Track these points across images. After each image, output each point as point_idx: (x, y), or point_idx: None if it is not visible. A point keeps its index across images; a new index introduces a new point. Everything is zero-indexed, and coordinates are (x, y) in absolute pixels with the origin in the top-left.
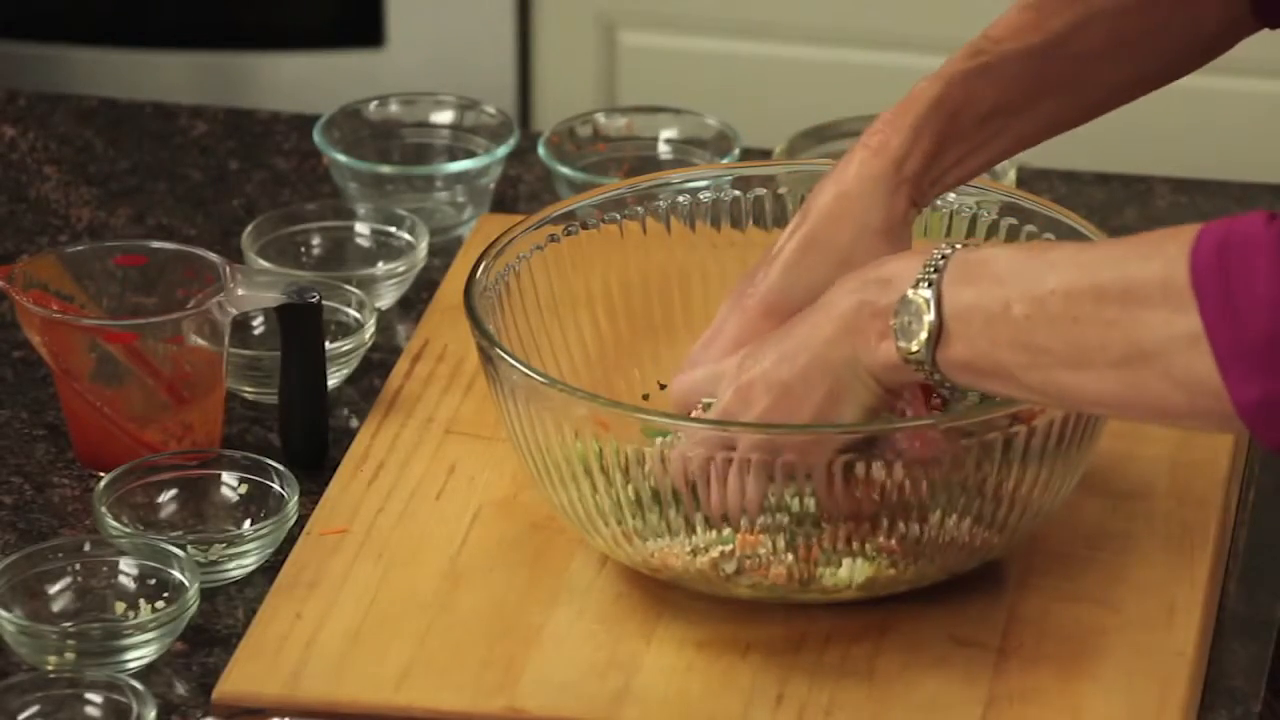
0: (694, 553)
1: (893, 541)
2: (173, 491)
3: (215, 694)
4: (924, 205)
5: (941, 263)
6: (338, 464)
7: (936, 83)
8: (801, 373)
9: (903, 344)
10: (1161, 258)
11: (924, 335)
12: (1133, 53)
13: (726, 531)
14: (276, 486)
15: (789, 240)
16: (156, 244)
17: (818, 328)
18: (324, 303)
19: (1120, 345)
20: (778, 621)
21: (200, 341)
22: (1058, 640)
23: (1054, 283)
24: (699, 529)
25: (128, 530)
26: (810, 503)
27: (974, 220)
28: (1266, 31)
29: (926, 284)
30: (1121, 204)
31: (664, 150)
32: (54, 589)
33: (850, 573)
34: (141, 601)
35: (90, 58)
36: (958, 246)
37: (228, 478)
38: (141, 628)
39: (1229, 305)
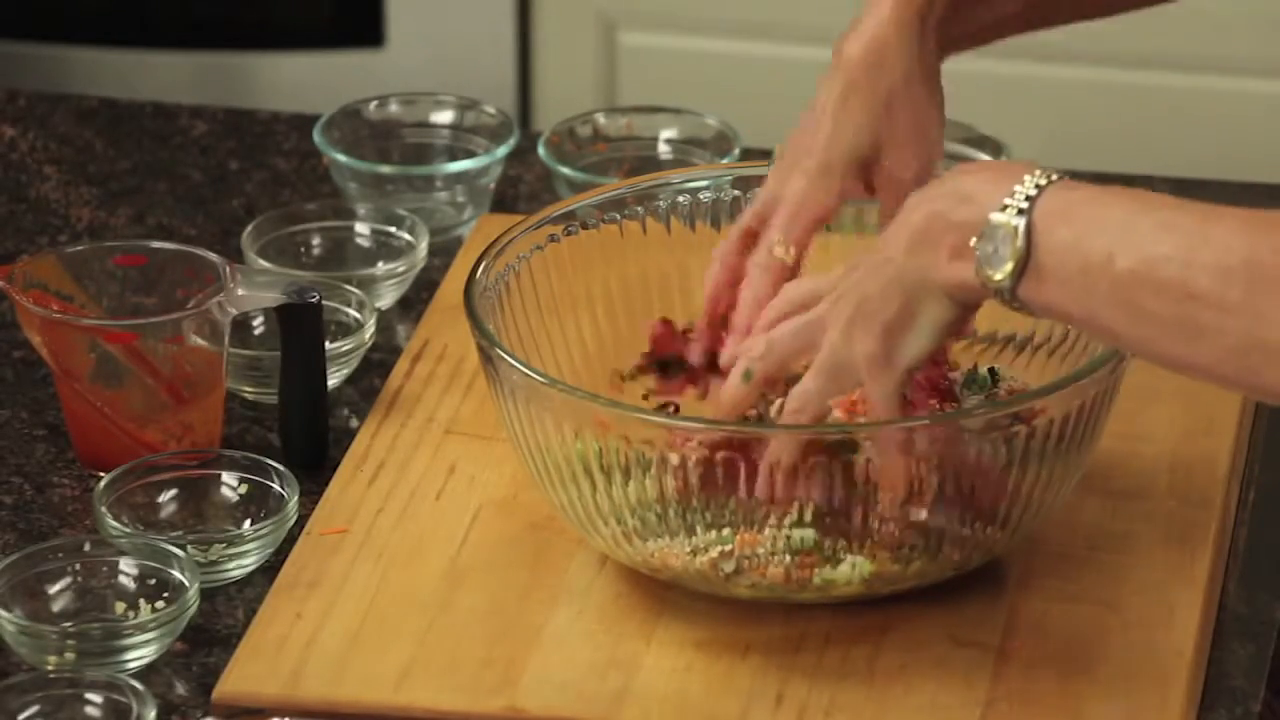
0: (694, 553)
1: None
2: (173, 491)
3: (215, 694)
4: (954, 51)
5: (1035, 191)
6: (338, 464)
7: None
8: (881, 287)
9: (986, 271)
10: None
11: (1010, 266)
12: None
13: (725, 531)
14: (276, 486)
15: (827, 94)
16: (156, 244)
17: (896, 239)
18: (324, 303)
19: (1240, 334)
20: (778, 621)
21: (200, 341)
22: (1058, 640)
23: (1169, 248)
24: (699, 529)
25: (128, 530)
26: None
27: None
28: (1267, 31)
29: (1016, 210)
30: None
31: (664, 150)
32: (54, 589)
33: (850, 571)
34: (141, 601)
35: (90, 58)
36: (1053, 176)
37: (228, 478)
38: (141, 628)
39: None
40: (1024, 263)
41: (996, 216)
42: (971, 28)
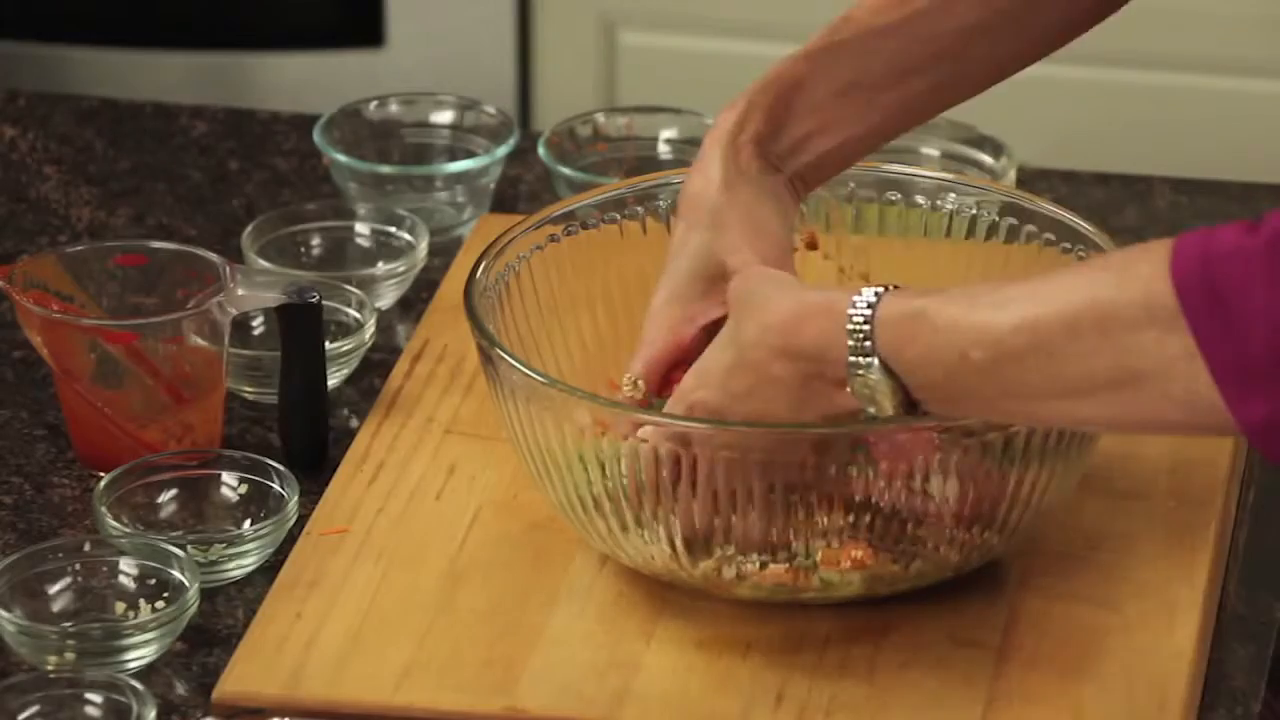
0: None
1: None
2: (173, 491)
3: (215, 694)
4: (804, 171)
5: (866, 329)
6: (338, 464)
7: (784, 61)
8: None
9: (874, 410)
10: (1136, 279)
11: (892, 403)
12: (1010, 25)
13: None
14: (276, 486)
15: (673, 236)
16: (156, 244)
17: (771, 400)
18: (324, 303)
19: (1108, 371)
20: (778, 621)
21: (200, 341)
22: (1058, 640)
23: (1008, 323)
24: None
25: (128, 530)
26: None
27: (974, 220)
28: (1267, 31)
29: (864, 354)
30: (1121, 204)
31: (664, 150)
32: (54, 589)
33: (848, 575)
34: (141, 601)
35: (90, 58)
36: (856, 301)
37: (228, 478)
38: (141, 628)
39: (1223, 321)
40: (903, 391)
41: (855, 366)
42: (828, 141)
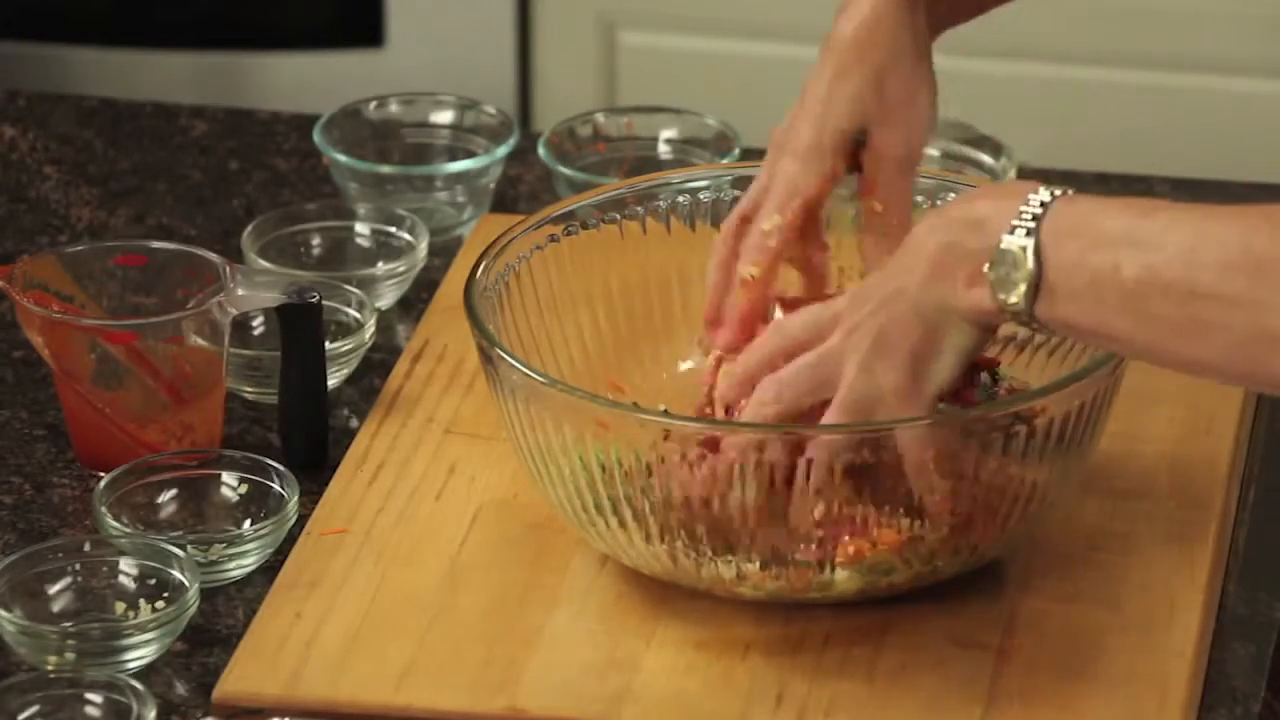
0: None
1: (893, 533)
2: (173, 491)
3: (215, 694)
4: (942, 29)
5: (1040, 210)
6: (338, 464)
7: None
8: (899, 319)
9: (1001, 295)
10: None
11: (1023, 288)
12: None
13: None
14: (276, 486)
15: (818, 78)
16: (156, 244)
17: (909, 270)
18: (324, 303)
19: (1245, 326)
20: (778, 621)
21: (200, 341)
22: (1058, 640)
23: (1170, 248)
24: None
25: (128, 530)
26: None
27: None
28: (1267, 31)
29: (1025, 232)
30: None
31: (664, 150)
32: (54, 589)
33: (849, 571)
34: (141, 601)
35: (90, 58)
36: (1055, 193)
37: (228, 478)
38: (141, 628)
39: None
40: (1037, 283)
41: (1006, 240)
42: (960, 2)
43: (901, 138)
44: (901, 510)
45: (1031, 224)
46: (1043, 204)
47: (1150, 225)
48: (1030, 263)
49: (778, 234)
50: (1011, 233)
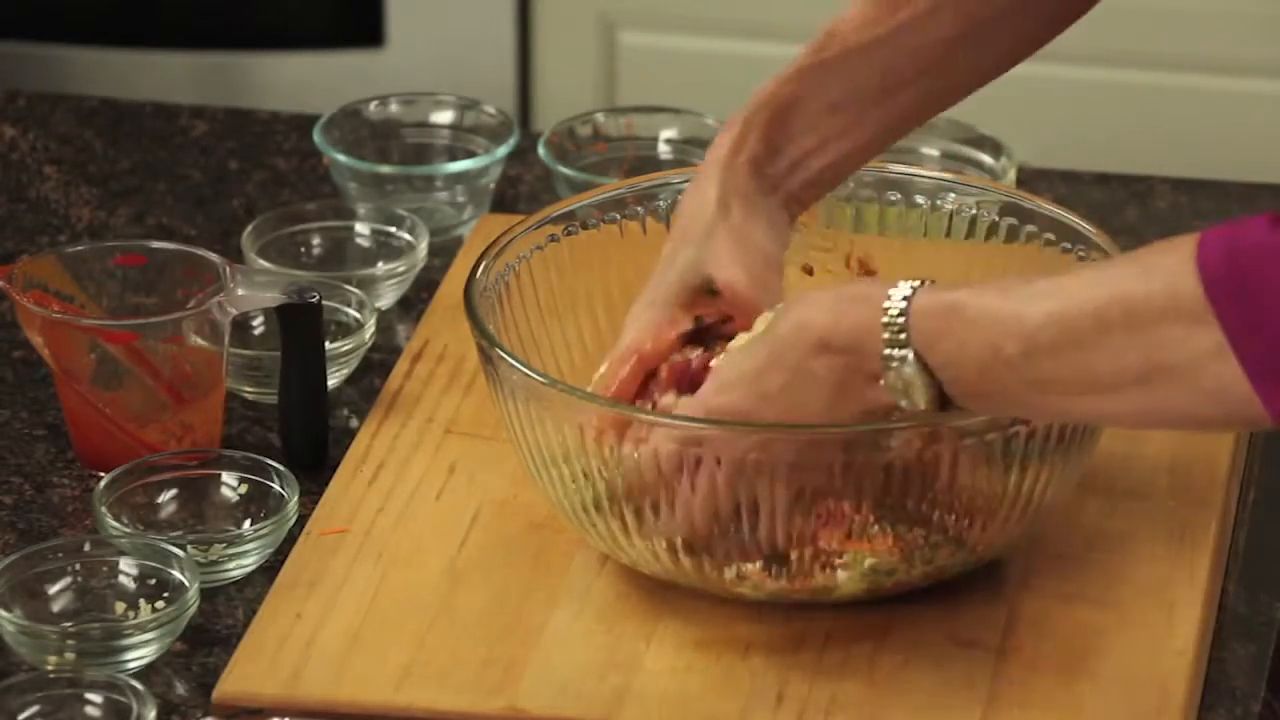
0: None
1: (891, 540)
2: (173, 491)
3: (215, 694)
4: (800, 190)
5: (901, 320)
6: (338, 464)
7: (774, 81)
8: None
9: (906, 404)
10: (1162, 273)
11: (926, 396)
12: (990, 33)
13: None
14: (276, 486)
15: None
16: (156, 244)
17: (805, 405)
18: (324, 303)
19: (1138, 365)
20: (778, 621)
21: (200, 341)
22: (1058, 640)
23: (1039, 316)
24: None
25: (128, 530)
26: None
27: (974, 220)
28: (1267, 31)
29: (899, 346)
30: (1121, 204)
31: (664, 150)
32: (54, 589)
33: (850, 572)
34: (141, 601)
35: (90, 58)
36: (891, 294)
37: (228, 478)
38: (141, 628)
39: (1252, 315)
40: (936, 387)
41: (890, 358)
42: (826, 158)
43: (741, 274)
44: (898, 520)
45: (901, 337)
46: (900, 313)
47: (1013, 299)
48: (920, 376)
49: (604, 383)
50: (890, 348)
